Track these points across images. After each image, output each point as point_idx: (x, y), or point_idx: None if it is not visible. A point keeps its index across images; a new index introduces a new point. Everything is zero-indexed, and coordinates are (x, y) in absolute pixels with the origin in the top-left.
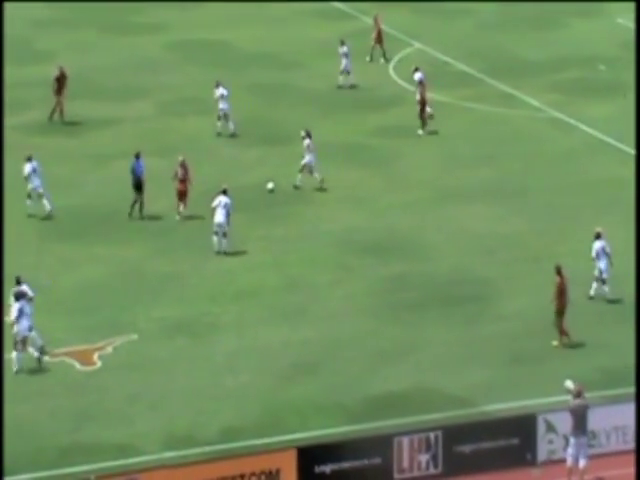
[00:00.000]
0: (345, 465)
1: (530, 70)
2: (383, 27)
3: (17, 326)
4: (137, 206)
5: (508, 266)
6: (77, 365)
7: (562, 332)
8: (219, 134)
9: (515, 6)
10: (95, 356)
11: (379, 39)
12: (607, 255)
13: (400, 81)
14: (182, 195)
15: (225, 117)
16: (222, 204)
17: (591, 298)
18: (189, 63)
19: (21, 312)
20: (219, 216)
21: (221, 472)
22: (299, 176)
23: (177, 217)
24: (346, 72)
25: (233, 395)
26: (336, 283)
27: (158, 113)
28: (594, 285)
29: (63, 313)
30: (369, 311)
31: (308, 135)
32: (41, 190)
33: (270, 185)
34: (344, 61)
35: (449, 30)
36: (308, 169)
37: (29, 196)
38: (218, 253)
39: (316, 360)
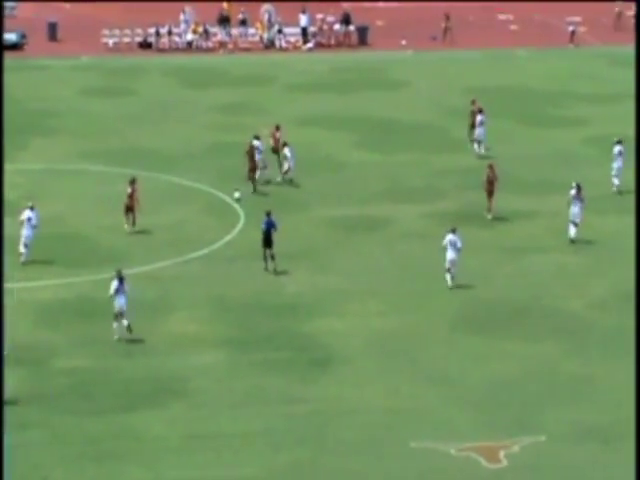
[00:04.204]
0: None
1: None
2: None
3: (115, 301)
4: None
5: None
6: (483, 461)
7: None
8: None
9: None
10: (501, 454)
11: None
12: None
13: None
14: None
15: None
16: None
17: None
18: (608, 159)
19: (117, 290)
20: None
21: None
22: None
23: None
24: None
25: None
26: None
27: None
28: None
29: (470, 408)
30: None
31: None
32: None
33: (237, 195)
34: None
35: None
36: None
37: None
38: None
39: None
